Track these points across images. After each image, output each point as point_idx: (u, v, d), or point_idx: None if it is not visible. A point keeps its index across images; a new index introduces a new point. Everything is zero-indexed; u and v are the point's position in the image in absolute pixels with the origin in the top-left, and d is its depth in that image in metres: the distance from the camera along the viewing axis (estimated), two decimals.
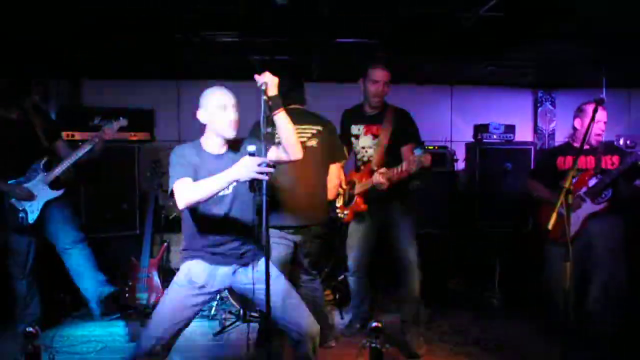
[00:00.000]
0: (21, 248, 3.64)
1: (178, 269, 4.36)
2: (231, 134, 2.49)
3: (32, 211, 3.60)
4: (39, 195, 3.62)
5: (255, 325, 3.94)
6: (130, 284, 4.19)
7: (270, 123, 2.41)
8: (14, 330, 3.60)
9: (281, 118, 2.42)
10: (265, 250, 2.24)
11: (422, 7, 3.34)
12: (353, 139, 3.64)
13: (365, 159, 3.60)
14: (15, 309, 3.72)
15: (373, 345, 2.06)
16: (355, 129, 3.63)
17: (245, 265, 2.56)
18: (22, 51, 4.22)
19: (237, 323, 4.03)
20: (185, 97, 5.99)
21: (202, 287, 2.50)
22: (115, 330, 3.90)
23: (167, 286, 4.52)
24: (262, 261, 2.38)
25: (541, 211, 3.60)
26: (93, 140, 3.69)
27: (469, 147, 5.19)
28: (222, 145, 2.55)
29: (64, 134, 4.22)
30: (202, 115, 2.54)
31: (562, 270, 2.77)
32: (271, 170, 2.19)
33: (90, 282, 3.97)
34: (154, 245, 4.49)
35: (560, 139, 6.16)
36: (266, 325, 2.28)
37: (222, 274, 2.52)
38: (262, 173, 2.16)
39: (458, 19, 3.46)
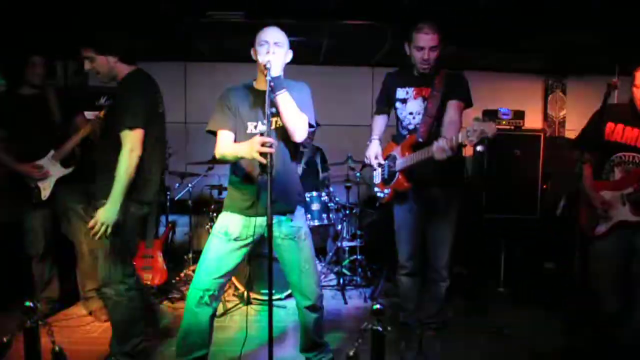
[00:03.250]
0: (35, 226, 3.61)
1: (183, 251, 4.36)
2: (268, 70, 2.33)
3: (44, 188, 3.58)
4: (52, 172, 3.61)
5: (258, 308, 3.97)
6: (134, 264, 4.18)
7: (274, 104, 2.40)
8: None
9: (283, 100, 2.41)
10: (267, 228, 2.25)
11: None
12: (398, 104, 3.16)
13: (411, 126, 3.11)
14: (35, 291, 3.71)
15: (374, 328, 2.01)
16: (402, 92, 3.14)
17: (281, 214, 2.63)
18: (29, 30, 4.19)
19: (240, 305, 4.04)
20: (192, 78, 5.97)
21: (237, 238, 2.60)
22: None
23: (171, 267, 4.63)
24: (298, 216, 2.69)
25: (580, 208, 3.02)
26: (96, 120, 3.63)
27: None
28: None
29: None
30: (252, 52, 2.54)
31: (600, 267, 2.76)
32: (269, 150, 2.21)
33: None
34: (159, 227, 4.48)
35: (570, 126, 6.08)
36: (269, 303, 2.26)
37: (257, 225, 2.58)
38: (263, 154, 2.22)
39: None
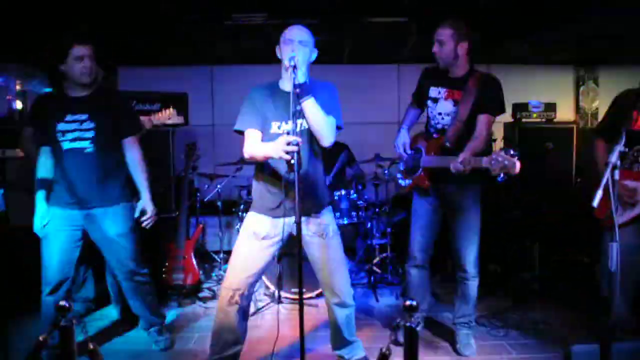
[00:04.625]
0: None
1: (214, 252, 4.42)
2: (293, 69, 2.33)
3: None
4: None
5: (290, 306, 3.98)
6: (166, 265, 4.25)
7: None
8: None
9: (308, 106, 2.41)
10: (296, 227, 2.25)
11: None
12: (430, 102, 3.15)
13: (439, 126, 3.12)
14: (70, 292, 3.79)
15: (407, 324, 1.98)
16: (434, 92, 3.12)
17: (307, 215, 2.64)
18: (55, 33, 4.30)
19: (271, 304, 4.06)
20: (219, 82, 6.04)
21: (266, 237, 2.63)
22: None
23: (203, 267, 4.68)
24: (326, 213, 2.72)
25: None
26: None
27: (507, 126, 5.02)
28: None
29: None
30: (277, 50, 2.56)
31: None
32: (294, 149, 2.20)
33: None
34: (189, 228, 4.54)
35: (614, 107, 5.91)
36: (300, 301, 2.26)
37: (286, 224, 2.59)
38: (288, 152, 2.22)
39: None
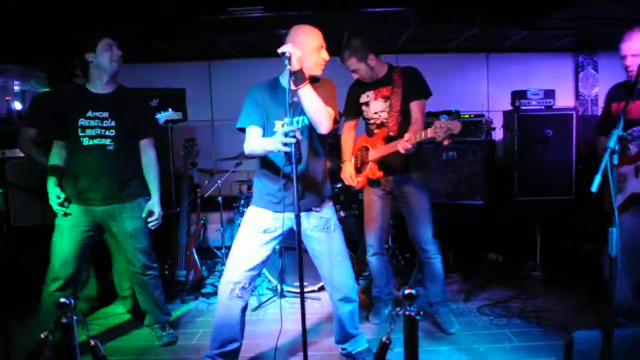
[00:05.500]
0: None
1: (216, 247, 4.44)
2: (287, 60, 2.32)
3: None
4: None
5: (293, 300, 3.99)
6: (168, 261, 4.26)
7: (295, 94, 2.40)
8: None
9: (304, 93, 2.39)
10: (296, 219, 2.25)
11: None
12: (364, 107, 3.43)
13: (378, 122, 3.36)
14: (77, 290, 3.80)
15: (407, 313, 1.97)
16: (364, 97, 3.41)
17: (308, 210, 2.66)
18: (55, 33, 4.29)
19: (274, 298, 4.06)
20: (217, 77, 6.01)
21: (266, 231, 2.64)
22: None
23: (205, 263, 4.69)
24: (327, 207, 2.73)
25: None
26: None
27: (506, 115, 5.01)
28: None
29: None
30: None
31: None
32: (292, 140, 2.21)
33: None
34: (190, 224, 4.54)
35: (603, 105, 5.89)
36: (301, 295, 2.26)
37: (286, 218, 2.59)
38: (286, 144, 2.23)
39: None
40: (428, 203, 3.38)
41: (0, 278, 3.38)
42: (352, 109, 3.52)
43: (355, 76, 3.33)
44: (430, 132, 2.73)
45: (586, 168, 4.63)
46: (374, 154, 3.30)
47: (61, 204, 2.97)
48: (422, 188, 3.37)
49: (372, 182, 3.44)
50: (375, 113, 3.36)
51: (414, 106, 3.23)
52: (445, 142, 2.71)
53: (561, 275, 4.45)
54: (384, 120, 3.31)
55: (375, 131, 3.37)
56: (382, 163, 3.31)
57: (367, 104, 3.41)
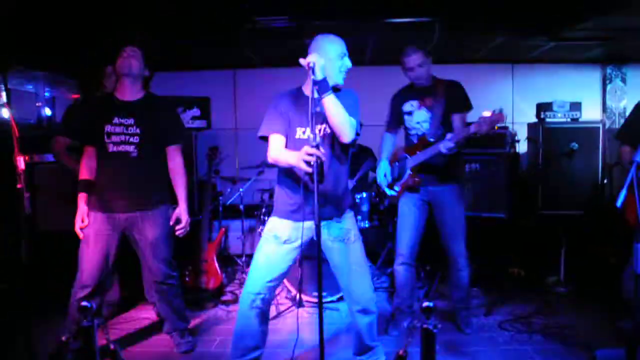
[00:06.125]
0: None
1: (236, 255, 4.45)
2: (311, 70, 2.35)
3: None
4: None
5: (311, 310, 3.98)
6: (190, 268, 4.30)
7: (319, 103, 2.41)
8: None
9: (328, 102, 2.39)
10: (316, 231, 2.26)
11: None
12: (406, 117, 3.49)
13: (420, 133, 3.44)
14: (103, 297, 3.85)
15: (424, 326, 1.96)
16: (408, 106, 3.48)
17: (329, 220, 2.66)
18: (86, 44, 4.39)
19: (292, 308, 4.06)
20: (242, 85, 6.07)
21: (287, 241, 2.65)
22: None
23: (225, 271, 4.72)
24: (347, 218, 2.72)
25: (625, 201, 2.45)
26: None
27: (531, 127, 4.94)
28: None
29: None
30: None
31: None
32: (312, 158, 2.23)
33: None
34: (212, 231, 4.58)
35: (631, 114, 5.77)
36: (320, 305, 2.26)
37: (306, 228, 2.60)
38: (307, 162, 2.26)
39: None
40: (463, 216, 3.46)
41: (25, 281, 3.45)
42: (394, 119, 3.59)
43: (411, 75, 3.40)
44: (473, 128, 2.91)
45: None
46: (412, 162, 3.42)
47: (82, 228, 3.01)
48: (458, 200, 3.46)
49: (410, 189, 3.48)
50: (418, 123, 3.44)
51: (456, 118, 3.34)
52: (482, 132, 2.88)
53: (585, 290, 4.35)
54: (425, 131, 3.39)
55: (415, 141, 3.45)
56: (420, 169, 3.40)
57: (410, 113, 3.47)
